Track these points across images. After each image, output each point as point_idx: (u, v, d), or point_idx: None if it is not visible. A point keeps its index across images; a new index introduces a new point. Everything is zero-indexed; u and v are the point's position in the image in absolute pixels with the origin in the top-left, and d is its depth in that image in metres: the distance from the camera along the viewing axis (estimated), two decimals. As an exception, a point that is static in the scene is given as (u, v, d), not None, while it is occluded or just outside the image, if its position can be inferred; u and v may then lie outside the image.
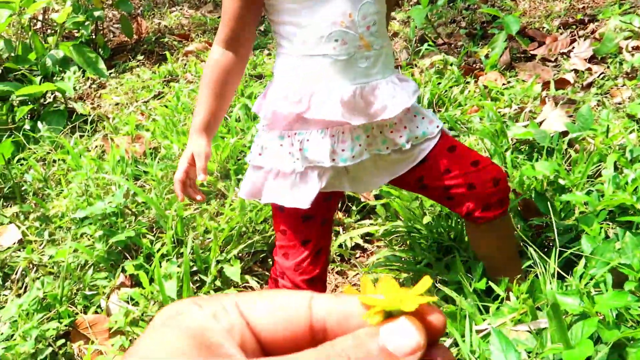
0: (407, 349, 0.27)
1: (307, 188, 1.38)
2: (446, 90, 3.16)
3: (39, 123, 3.10)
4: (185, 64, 4.48)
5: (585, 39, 3.68)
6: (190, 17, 5.68)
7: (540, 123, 2.28)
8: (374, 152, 1.43)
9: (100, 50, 5.10)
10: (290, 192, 1.39)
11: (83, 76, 4.54)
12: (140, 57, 4.97)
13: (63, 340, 1.76)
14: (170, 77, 4.28)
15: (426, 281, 0.30)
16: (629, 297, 1.24)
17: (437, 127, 1.47)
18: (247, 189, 1.47)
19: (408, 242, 1.99)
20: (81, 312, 1.85)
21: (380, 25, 1.39)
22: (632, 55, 3.23)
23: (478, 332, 1.41)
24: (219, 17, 5.90)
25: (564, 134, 2.09)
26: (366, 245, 2.23)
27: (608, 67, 3.31)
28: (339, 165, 1.38)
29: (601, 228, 1.63)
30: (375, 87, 1.37)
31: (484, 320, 1.48)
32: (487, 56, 3.62)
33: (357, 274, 2.06)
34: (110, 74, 4.77)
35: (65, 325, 1.80)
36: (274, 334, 0.30)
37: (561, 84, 3.19)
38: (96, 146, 3.07)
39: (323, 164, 1.35)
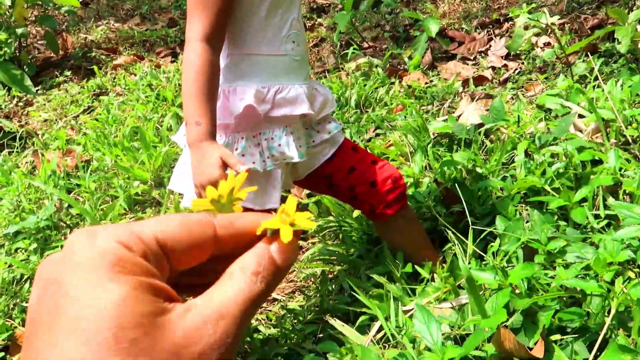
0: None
1: (275, 187, 1.45)
2: (372, 92, 3.28)
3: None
4: (114, 78, 4.46)
5: (500, 38, 3.88)
6: (117, 30, 5.64)
7: (459, 117, 2.42)
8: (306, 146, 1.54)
9: (25, 67, 5.01)
10: (260, 193, 1.43)
11: (9, 94, 4.46)
12: (67, 73, 4.91)
13: (2, 354, 1.77)
14: (99, 90, 4.26)
15: (291, 200, 0.39)
16: (537, 267, 1.36)
17: (340, 124, 1.61)
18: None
19: (340, 236, 2.07)
20: (20, 325, 1.85)
21: None
22: (543, 50, 3.44)
23: (405, 312, 1.51)
24: (147, 30, 5.86)
25: (480, 125, 2.22)
26: (301, 243, 2.30)
27: (523, 63, 3.51)
28: (298, 161, 1.46)
29: (516, 210, 1.76)
30: (313, 87, 1.53)
31: (411, 301, 1.58)
32: (410, 57, 3.77)
33: (294, 270, 2.13)
34: (37, 91, 4.70)
35: (4, 339, 1.80)
36: (182, 246, 0.35)
37: (480, 80, 3.36)
38: (26, 162, 3.05)
39: (293, 159, 1.43)
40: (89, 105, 3.83)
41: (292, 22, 1.44)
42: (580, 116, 2.13)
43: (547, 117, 2.30)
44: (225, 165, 1.24)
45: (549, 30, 2.86)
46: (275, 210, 1.55)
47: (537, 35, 3.27)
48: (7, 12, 4.79)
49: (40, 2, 5.00)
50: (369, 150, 2.05)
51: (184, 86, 1.31)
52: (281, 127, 1.43)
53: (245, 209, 0.39)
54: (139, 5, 6.33)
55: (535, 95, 3.00)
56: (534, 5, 3.83)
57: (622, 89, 2.20)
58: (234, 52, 1.43)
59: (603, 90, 2.22)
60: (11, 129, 3.46)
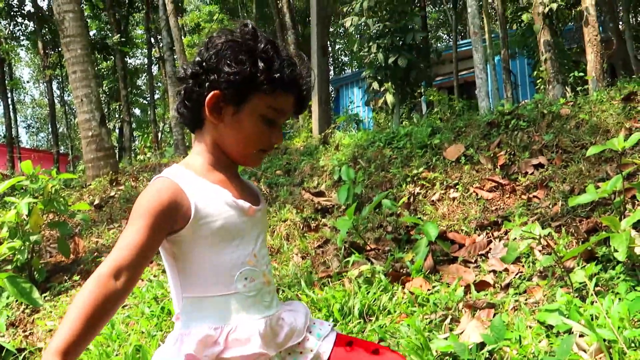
0: None
1: None
2: (375, 299, 3.30)
3: (-34, 364, 3.03)
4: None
5: (499, 240, 3.97)
6: (128, 233, 5.82)
7: (460, 334, 2.41)
8: None
9: (35, 273, 5.11)
10: None
11: (16, 301, 4.51)
12: (76, 278, 5.00)
13: None
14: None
15: None
16: None
17: (329, 325, 1.60)
18: None
19: None
20: None
21: (270, 264, 1.55)
22: (542, 254, 3.51)
23: None
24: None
25: (483, 344, 2.21)
26: None
27: (523, 266, 3.56)
28: None
29: None
30: (278, 317, 1.50)
31: None
32: (412, 261, 3.84)
33: None
34: (45, 297, 4.75)
35: None
36: None
37: (482, 286, 3.39)
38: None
39: None
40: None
41: (246, 258, 1.45)
42: (583, 333, 2.13)
43: (549, 333, 2.29)
44: None
45: (544, 241, 2.94)
46: None
47: (530, 245, 3.34)
48: (23, 221, 4.97)
49: (54, 210, 5.21)
50: None
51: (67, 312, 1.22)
52: None
53: None
54: (151, 208, 6.60)
55: (537, 303, 3.01)
56: (525, 218, 3.98)
57: (620, 304, 2.21)
58: (185, 295, 1.44)
59: (602, 305, 2.23)
60: (13, 347, 3.44)
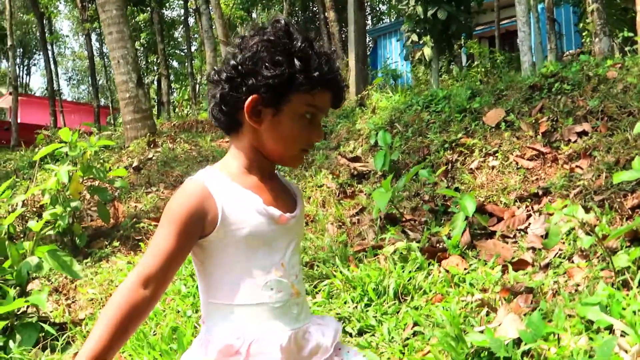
0: None
1: None
2: (411, 278, 3.27)
3: (10, 342, 3.12)
4: (159, 252, 4.57)
5: (540, 214, 3.87)
6: (166, 198, 5.88)
7: (496, 328, 2.37)
8: None
9: (76, 238, 5.21)
10: None
11: (59, 268, 4.61)
12: (116, 244, 5.09)
13: None
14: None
15: None
16: None
17: (363, 357, 1.55)
18: None
19: None
20: None
21: (302, 273, 1.50)
22: (584, 233, 3.40)
23: None
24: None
25: (519, 340, 2.17)
26: None
27: (564, 244, 3.47)
28: None
29: None
30: (305, 331, 1.46)
31: None
32: (449, 236, 3.78)
33: None
34: (86, 262, 4.85)
35: None
36: None
37: (520, 264, 3.32)
38: (69, 361, 3.08)
39: None
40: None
41: (273, 268, 1.41)
42: (624, 332, 2.07)
43: (589, 328, 2.23)
44: None
45: (585, 224, 2.85)
46: None
47: (572, 228, 3.24)
48: (64, 187, 5.05)
49: (93, 177, 5.27)
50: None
51: (99, 319, 1.28)
52: None
53: None
54: (188, 171, 6.62)
55: (576, 286, 2.94)
56: (567, 191, 3.86)
57: (665, 300, 2.14)
58: (211, 300, 1.42)
59: (646, 300, 2.15)
60: (56, 320, 3.53)
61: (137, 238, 5.12)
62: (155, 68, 27.53)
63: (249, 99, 1.36)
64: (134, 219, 5.43)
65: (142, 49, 25.84)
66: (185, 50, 26.89)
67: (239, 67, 1.38)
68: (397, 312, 2.99)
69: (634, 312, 2.13)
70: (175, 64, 32.28)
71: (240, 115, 1.40)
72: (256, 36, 1.40)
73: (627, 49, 7.47)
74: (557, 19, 16.49)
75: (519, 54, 10.13)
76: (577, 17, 16.89)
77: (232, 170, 1.44)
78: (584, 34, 13.12)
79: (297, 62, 1.35)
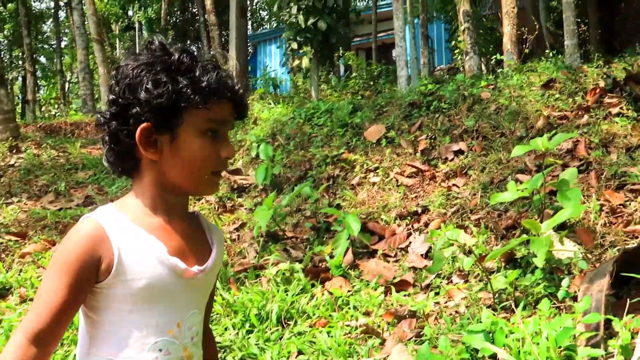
0: None
1: None
2: (294, 302, 3.18)
3: None
4: (20, 271, 4.19)
5: (420, 233, 3.93)
6: (29, 210, 5.42)
7: (385, 358, 2.33)
8: None
9: None
10: None
11: None
12: (-31, 262, 4.60)
13: None
14: (3, 288, 3.97)
15: None
16: None
17: None
18: None
19: None
20: None
21: (200, 334, 1.33)
22: (462, 253, 3.47)
23: None
24: (61, 210, 5.66)
25: (407, 371, 2.14)
26: None
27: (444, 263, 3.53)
28: None
29: None
30: None
31: None
32: (331, 255, 3.74)
33: None
34: None
35: None
36: None
37: (402, 285, 3.33)
38: None
39: None
40: (-11, 313, 3.52)
41: (168, 327, 1.25)
42: None
43: (474, 355, 2.24)
44: None
45: (468, 250, 2.89)
46: None
47: (454, 254, 3.30)
48: None
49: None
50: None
51: None
52: None
53: None
54: (54, 181, 6.18)
55: (457, 306, 2.98)
56: (444, 209, 3.95)
57: (545, 325, 2.18)
58: (91, 351, 1.25)
59: (527, 328, 2.19)
60: None
61: (-6, 255, 4.67)
62: (19, 63, 25.84)
63: (138, 129, 1.20)
64: (-9, 234, 4.95)
65: (5, 41, 24.16)
66: (55, 46, 25.40)
67: (119, 100, 1.22)
68: (281, 339, 2.89)
69: (518, 340, 2.16)
70: (42, 59, 30.43)
71: (136, 151, 1.23)
72: (130, 62, 1.24)
73: (499, 70, 7.86)
74: (430, 35, 17.20)
75: (396, 67, 10.42)
76: (449, 33, 17.69)
77: (134, 211, 1.26)
78: (456, 51, 13.74)
79: (180, 77, 1.21)
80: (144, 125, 1.20)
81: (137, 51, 1.28)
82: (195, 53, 1.27)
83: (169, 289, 1.24)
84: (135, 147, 1.22)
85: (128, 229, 1.22)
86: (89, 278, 1.19)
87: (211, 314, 1.62)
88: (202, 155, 1.25)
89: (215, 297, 3.34)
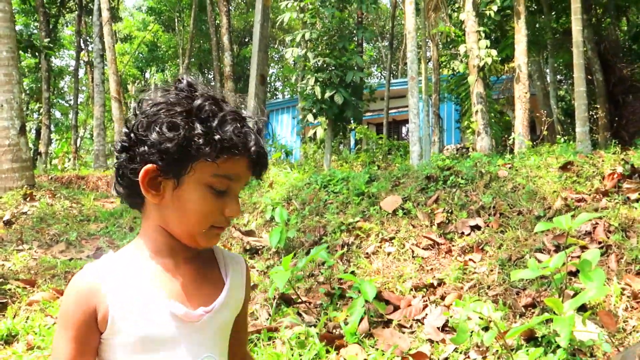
0: None
1: None
2: (308, 367, 3.12)
3: None
4: (27, 318, 4.13)
5: (436, 306, 3.88)
6: (39, 258, 5.39)
7: None
8: None
9: None
10: None
11: None
12: (-24, 306, 4.54)
13: None
14: (10, 335, 3.90)
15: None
16: None
17: None
18: None
19: None
20: None
21: None
22: (480, 328, 3.42)
23: None
24: (71, 260, 5.64)
25: None
26: None
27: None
28: None
29: None
30: None
31: None
32: (346, 322, 3.68)
33: None
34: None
35: None
36: None
37: (418, 357, 3.27)
38: None
39: None
40: (-5, 359, 3.45)
41: None
42: None
43: None
44: None
45: (490, 321, 2.85)
46: None
47: (480, 326, 3.25)
48: None
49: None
50: None
51: None
52: None
53: None
54: (66, 230, 6.16)
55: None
56: (460, 283, 3.92)
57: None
58: None
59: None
60: None
61: (1, 301, 4.61)
62: (35, 115, 26.25)
63: (143, 169, 1.17)
64: (0, 280, 4.91)
65: (23, 95, 24.61)
66: (71, 102, 25.86)
67: (131, 134, 1.20)
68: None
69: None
70: (57, 114, 30.92)
71: (140, 190, 1.20)
72: (153, 98, 1.22)
73: (513, 152, 7.96)
74: (440, 114, 17.50)
75: (406, 142, 10.58)
76: (459, 114, 18.00)
77: (136, 257, 1.24)
78: (467, 131, 13.95)
79: (197, 124, 1.16)
80: (149, 166, 1.17)
81: (164, 87, 1.25)
82: (223, 100, 1.22)
83: (170, 336, 1.20)
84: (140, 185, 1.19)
85: (126, 279, 1.20)
86: (91, 330, 1.19)
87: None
88: (203, 210, 1.21)
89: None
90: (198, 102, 1.17)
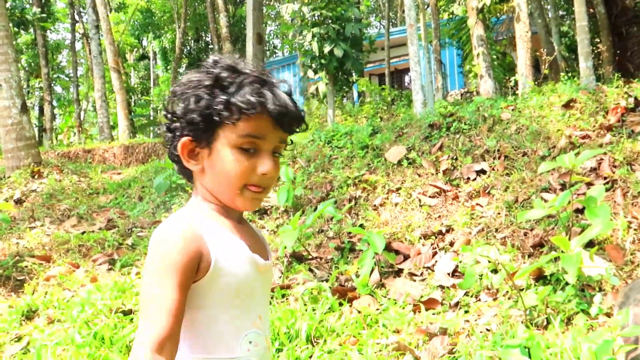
0: None
1: None
2: (322, 320, 3.17)
3: None
4: (46, 293, 4.21)
5: (445, 252, 3.91)
6: (52, 234, 5.46)
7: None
8: None
9: (-51, 280, 4.72)
10: None
11: None
12: (-6, 285, 4.63)
13: None
14: (30, 310, 3.98)
15: None
16: None
17: None
18: None
19: None
20: None
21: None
22: (490, 271, 3.46)
23: None
24: (84, 233, 5.71)
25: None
26: None
27: (470, 282, 3.50)
28: None
29: None
30: None
31: None
32: (357, 274, 3.73)
33: None
34: (-40, 307, 4.37)
35: None
36: None
37: (430, 303, 3.32)
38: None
39: None
40: (17, 334, 3.53)
41: (254, 320, 1.30)
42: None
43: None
44: None
45: (498, 263, 2.88)
46: None
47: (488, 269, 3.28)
48: None
49: (-29, 211, 4.82)
50: None
51: None
52: None
53: None
54: (76, 205, 6.22)
55: (488, 324, 2.96)
56: (469, 229, 3.94)
57: (583, 339, 2.16)
58: (187, 355, 1.26)
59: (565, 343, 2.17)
60: None
61: (19, 278, 4.69)
62: (36, 92, 26.20)
63: (180, 143, 1.27)
64: (16, 257, 4.98)
65: (23, 72, 24.52)
66: (71, 75, 25.74)
67: (167, 114, 1.31)
68: (310, 357, 2.87)
69: (555, 354, 2.13)
70: (58, 89, 30.84)
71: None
72: (186, 77, 1.30)
73: (516, 92, 7.88)
74: (442, 60, 17.30)
75: (408, 91, 10.50)
76: (461, 58, 17.80)
77: (209, 213, 1.30)
78: (470, 75, 13.80)
79: (218, 92, 1.24)
80: (184, 140, 1.27)
81: (200, 65, 1.32)
82: (244, 68, 1.27)
83: (253, 285, 1.29)
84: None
85: (217, 231, 1.26)
86: (193, 275, 1.21)
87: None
88: (236, 170, 1.25)
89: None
90: (217, 72, 1.25)
